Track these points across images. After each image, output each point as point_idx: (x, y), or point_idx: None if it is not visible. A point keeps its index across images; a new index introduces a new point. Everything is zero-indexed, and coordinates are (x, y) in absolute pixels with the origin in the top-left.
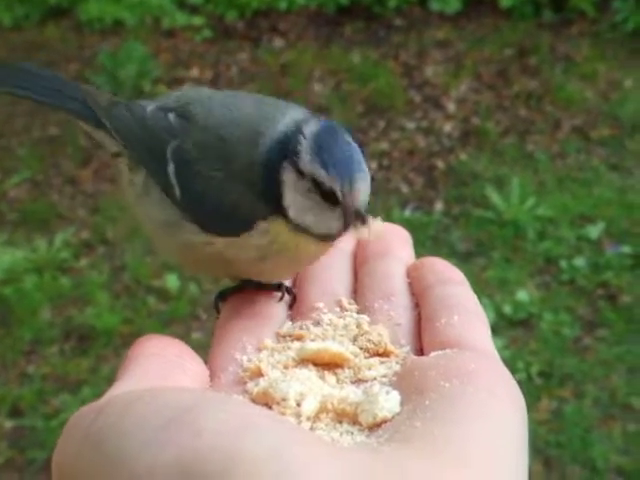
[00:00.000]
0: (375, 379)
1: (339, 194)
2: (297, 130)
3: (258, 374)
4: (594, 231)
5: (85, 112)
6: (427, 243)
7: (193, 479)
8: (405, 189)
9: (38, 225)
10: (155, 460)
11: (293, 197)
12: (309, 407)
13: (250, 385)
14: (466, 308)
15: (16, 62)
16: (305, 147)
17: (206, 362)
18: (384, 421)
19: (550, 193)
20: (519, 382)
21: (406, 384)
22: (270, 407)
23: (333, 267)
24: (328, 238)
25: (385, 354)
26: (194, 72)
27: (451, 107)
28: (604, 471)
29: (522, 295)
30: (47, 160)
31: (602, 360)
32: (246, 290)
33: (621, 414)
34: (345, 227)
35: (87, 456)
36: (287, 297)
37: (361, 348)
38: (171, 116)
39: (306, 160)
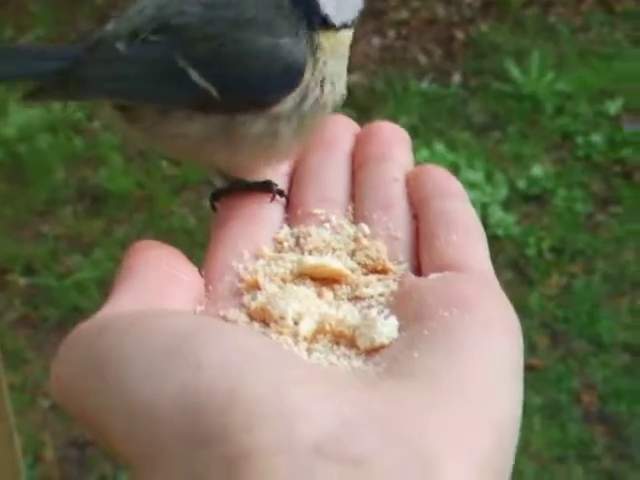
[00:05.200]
0: (372, 297)
1: None
2: None
3: (255, 286)
4: (613, 107)
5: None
6: (443, 115)
7: (195, 414)
8: (423, 60)
9: None
10: (157, 393)
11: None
12: (307, 327)
13: (247, 298)
14: (465, 226)
15: None
16: None
17: (201, 269)
18: (382, 346)
19: (570, 67)
20: (530, 257)
21: (404, 307)
22: (267, 324)
23: (330, 169)
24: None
25: (383, 271)
26: None
27: None
28: (610, 346)
29: (537, 170)
30: (62, 18)
31: (614, 237)
32: (237, 191)
33: (630, 290)
34: None
35: (87, 378)
36: (281, 199)
37: (359, 263)
38: (154, 37)
39: None
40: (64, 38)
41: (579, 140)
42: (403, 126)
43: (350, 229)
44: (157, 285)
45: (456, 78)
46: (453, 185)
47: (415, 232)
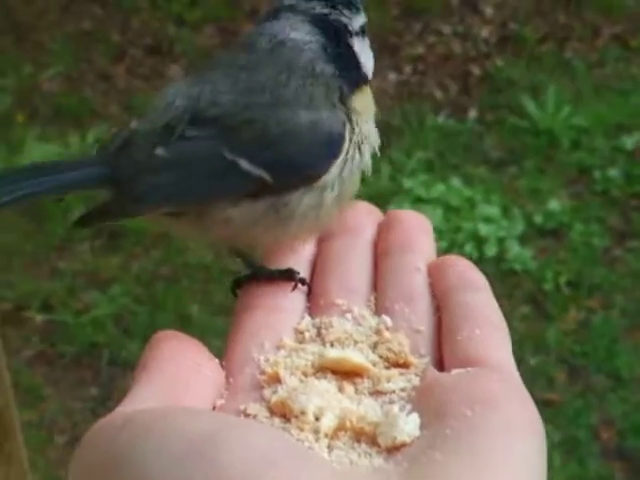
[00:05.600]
0: (394, 392)
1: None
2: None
3: (276, 380)
4: (629, 141)
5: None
6: (459, 151)
7: None
8: (439, 95)
9: (71, 120)
10: None
11: (365, 56)
12: (328, 424)
13: (267, 392)
14: (488, 320)
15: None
16: (341, 12)
17: (222, 359)
18: (403, 445)
19: (586, 102)
20: (547, 292)
21: (426, 404)
22: (288, 419)
23: (353, 258)
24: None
25: (405, 365)
26: None
27: (489, 11)
28: (628, 381)
29: (553, 205)
30: (80, 55)
31: (631, 271)
32: (259, 279)
33: None
34: None
35: (106, 473)
36: (302, 287)
37: (380, 357)
38: (192, 132)
39: (355, 20)
40: (82, 76)
41: (596, 175)
42: (419, 161)
43: (372, 320)
44: (178, 379)
45: (472, 113)
46: (476, 277)
47: (437, 324)
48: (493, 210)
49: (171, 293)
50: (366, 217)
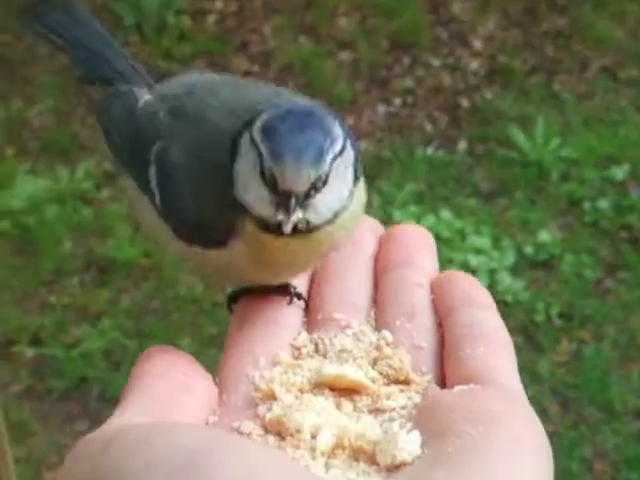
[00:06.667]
0: (394, 410)
1: (274, 173)
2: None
3: (271, 397)
4: (619, 173)
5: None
6: (449, 183)
7: None
8: (429, 127)
9: (60, 155)
10: None
11: (241, 167)
12: (325, 442)
13: (262, 409)
14: (493, 338)
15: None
16: (262, 118)
17: (216, 375)
18: (403, 464)
19: (576, 134)
20: (539, 323)
21: (427, 422)
22: (283, 437)
23: (353, 273)
24: (278, 230)
25: (405, 382)
26: (218, 4)
27: (477, 44)
28: (621, 413)
29: (544, 236)
30: (70, 90)
31: (623, 302)
32: (255, 293)
33: None
34: (276, 210)
35: None
36: (299, 302)
37: (380, 373)
38: (162, 112)
39: (257, 129)
40: (72, 110)
41: (586, 206)
42: (409, 192)
43: (372, 336)
44: (168, 395)
45: (462, 145)
46: (481, 294)
47: (440, 341)
48: (484, 241)
49: (161, 326)
50: (367, 232)
